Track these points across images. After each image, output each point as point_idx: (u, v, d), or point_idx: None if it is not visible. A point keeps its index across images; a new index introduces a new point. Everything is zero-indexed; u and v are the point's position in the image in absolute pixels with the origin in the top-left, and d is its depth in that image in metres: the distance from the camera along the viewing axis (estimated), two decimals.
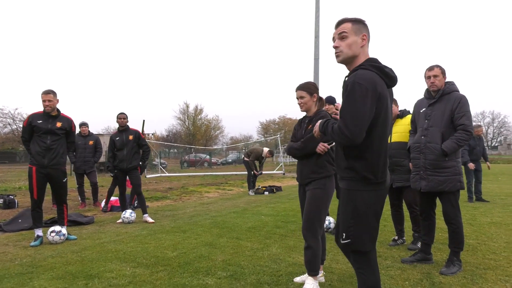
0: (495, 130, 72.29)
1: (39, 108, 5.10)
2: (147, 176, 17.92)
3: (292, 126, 53.35)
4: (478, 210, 7.38)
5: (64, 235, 4.95)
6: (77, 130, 8.65)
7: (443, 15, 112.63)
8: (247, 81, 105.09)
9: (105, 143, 13.63)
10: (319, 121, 2.42)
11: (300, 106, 3.34)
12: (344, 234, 2.20)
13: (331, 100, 4.97)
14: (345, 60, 2.24)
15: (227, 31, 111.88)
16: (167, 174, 20.38)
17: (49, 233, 4.90)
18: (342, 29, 2.21)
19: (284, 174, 20.56)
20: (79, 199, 8.41)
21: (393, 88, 2.37)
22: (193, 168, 30.78)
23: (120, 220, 6.35)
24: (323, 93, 3.45)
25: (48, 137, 4.98)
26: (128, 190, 7.56)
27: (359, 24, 2.21)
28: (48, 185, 5.11)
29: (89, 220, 6.37)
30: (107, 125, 59.37)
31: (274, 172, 21.59)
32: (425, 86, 3.93)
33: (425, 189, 3.72)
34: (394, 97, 3.25)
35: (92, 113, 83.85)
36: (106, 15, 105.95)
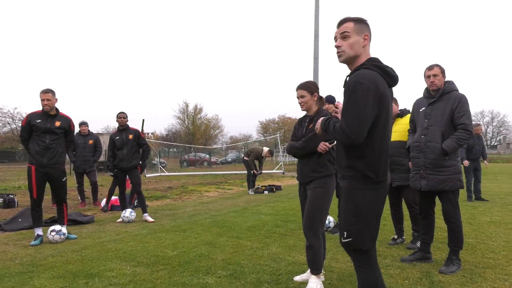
0: (494, 130, 72.40)
1: (39, 107, 5.09)
2: (147, 175, 17.92)
3: (291, 125, 53.35)
4: (477, 209, 7.40)
5: (64, 234, 4.96)
6: (77, 129, 8.69)
7: (442, 14, 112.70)
8: (246, 80, 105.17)
9: (104, 142, 13.62)
10: (321, 118, 2.43)
11: (300, 105, 3.34)
12: (345, 233, 2.21)
13: (331, 99, 4.97)
14: (347, 60, 2.24)
15: (227, 30, 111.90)
16: (167, 174, 20.38)
17: (49, 232, 4.90)
18: (344, 28, 2.21)
19: (283, 173, 20.58)
20: (79, 198, 8.41)
21: (393, 87, 2.38)
22: (193, 168, 30.78)
23: (120, 219, 6.35)
24: (323, 92, 3.46)
25: (47, 136, 4.98)
26: (128, 189, 7.57)
27: (361, 23, 2.22)
28: (47, 185, 5.11)
29: (89, 219, 6.37)
30: (107, 124, 59.43)
31: (274, 171, 21.60)
32: (424, 85, 3.94)
33: (425, 188, 3.73)
34: (394, 96, 3.26)
35: (92, 113, 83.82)
36: (106, 14, 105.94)
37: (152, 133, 39.73)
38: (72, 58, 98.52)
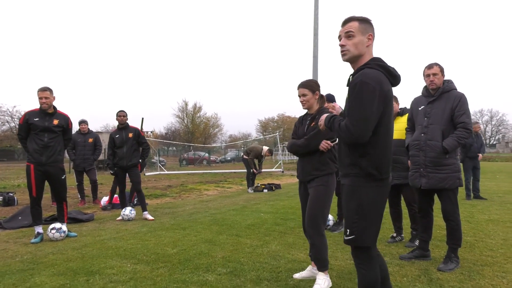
0: (493, 128, 72.54)
1: (37, 105, 5.05)
2: (146, 174, 17.92)
3: (290, 124, 53.37)
4: (476, 208, 7.43)
5: (64, 232, 4.97)
6: (76, 127, 8.70)
7: (442, 13, 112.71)
8: (246, 79, 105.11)
9: (104, 140, 13.61)
10: (325, 114, 2.43)
11: (302, 103, 3.35)
12: (348, 230, 2.22)
13: (330, 98, 4.99)
14: (351, 59, 2.26)
15: (226, 29, 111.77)
16: (166, 172, 20.37)
17: (49, 230, 4.92)
18: (349, 28, 2.22)
19: (283, 172, 20.60)
20: (79, 196, 8.42)
21: (395, 87, 2.40)
22: (192, 166, 30.78)
23: (120, 218, 6.37)
24: (322, 91, 3.46)
25: (46, 134, 4.97)
26: (128, 187, 7.58)
27: (365, 23, 2.23)
28: (46, 183, 5.11)
29: (89, 218, 6.39)
30: (106, 122, 59.38)
31: (273, 170, 21.63)
32: (422, 84, 3.96)
33: (425, 186, 3.75)
34: (394, 94, 3.27)
35: (91, 111, 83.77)
36: (105, 12, 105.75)
37: (151, 132, 39.76)
38: (71, 57, 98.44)
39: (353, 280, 3.26)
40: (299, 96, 3.34)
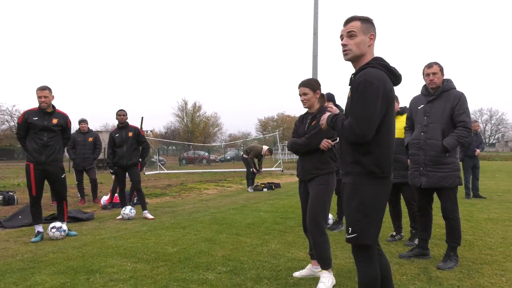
0: (492, 128, 72.60)
1: (37, 104, 5.02)
2: (146, 173, 17.93)
3: (290, 123, 53.41)
4: (475, 207, 7.44)
5: (64, 231, 4.98)
6: (76, 126, 8.70)
7: (441, 11, 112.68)
8: (245, 78, 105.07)
9: (103, 140, 13.62)
10: (327, 114, 2.43)
11: (303, 102, 3.36)
12: (350, 228, 2.22)
13: (330, 97, 5.00)
14: (353, 59, 2.27)
15: (226, 28, 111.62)
16: (166, 171, 20.39)
17: (49, 229, 4.92)
18: (351, 27, 2.23)
19: (282, 171, 20.61)
20: (79, 195, 8.43)
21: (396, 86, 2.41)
22: (192, 165, 30.79)
23: (119, 217, 6.38)
24: (322, 90, 3.47)
25: (45, 134, 4.96)
26: (128, 187, 7.58)
27: (367, 23, 2.25)
28: (46, 182, 5.11)
29: (89, 217, 6.40)
30: (105, 122, 59.34)
31: (273, 169, 21.64)
32: (421, 83, 3.97)
33: (425, 185, 3.76)
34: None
35: (90, 110, 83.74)
36: (104, 11, 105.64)
37: (151, 131, 39.66)
38: (70, 56, 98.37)
39: (353, 279, 3.28)
40: (300, 95, 3.35)
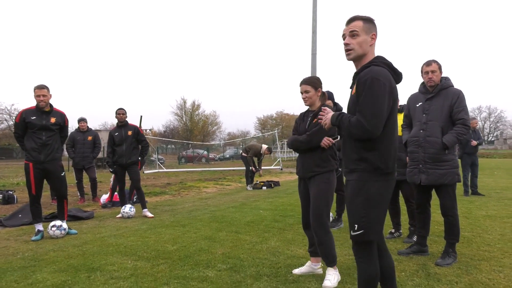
0: (491, 125, 72.70)
1: (35, 103, 4.98)
2: (145, 172, 17.94)
3: (289, 121, 53.43)
4: (473, 204, 7.48)
5: (65, 229, 4.99)
6: (76, 125, 8.71)
7: (439, 9, 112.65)
8: (244, 77, 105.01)
9: (102, 139, 13.61)
10: (331, 113, 2.43)
11: (304, 100, 3.37)
12: (356, 225, 2.22)
13: (329, 95, 5.02)
14: (355, 58, 2.29)
15: (225, 26, 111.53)
16: (165, 170, 20.40)
17: (50, 227, 4.94)
18: (353, 27, 2.25)
19: (281, 169, 20.63)
20: (78, 194, 8.45)
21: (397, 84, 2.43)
22: (191, 164, 30.81)
23: (119, 215, 6.39)
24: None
25: (43, 133, 4.95)
26: (127, 185, 7.60)
27: (369, 23, 2.27)
28: (46, 181, 5.12)
29: (89, 215, 6.41)
30: (104, 121, 59.29)
31: (272, 167, 21.66)
32: (418, 81, 3.99)
33: (425, 182, 3.78)
34: None
35: (89, 109, 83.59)
36: (103, 10, 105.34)
37: (150, 130, 39.69)
38: (69, 55, 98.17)
39: (352, 275, 3.30)
40: (302, 92, 3.35)
